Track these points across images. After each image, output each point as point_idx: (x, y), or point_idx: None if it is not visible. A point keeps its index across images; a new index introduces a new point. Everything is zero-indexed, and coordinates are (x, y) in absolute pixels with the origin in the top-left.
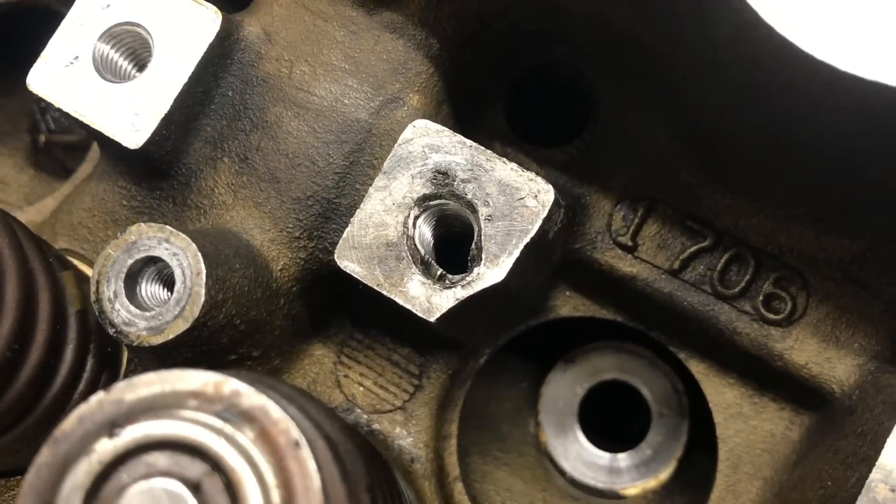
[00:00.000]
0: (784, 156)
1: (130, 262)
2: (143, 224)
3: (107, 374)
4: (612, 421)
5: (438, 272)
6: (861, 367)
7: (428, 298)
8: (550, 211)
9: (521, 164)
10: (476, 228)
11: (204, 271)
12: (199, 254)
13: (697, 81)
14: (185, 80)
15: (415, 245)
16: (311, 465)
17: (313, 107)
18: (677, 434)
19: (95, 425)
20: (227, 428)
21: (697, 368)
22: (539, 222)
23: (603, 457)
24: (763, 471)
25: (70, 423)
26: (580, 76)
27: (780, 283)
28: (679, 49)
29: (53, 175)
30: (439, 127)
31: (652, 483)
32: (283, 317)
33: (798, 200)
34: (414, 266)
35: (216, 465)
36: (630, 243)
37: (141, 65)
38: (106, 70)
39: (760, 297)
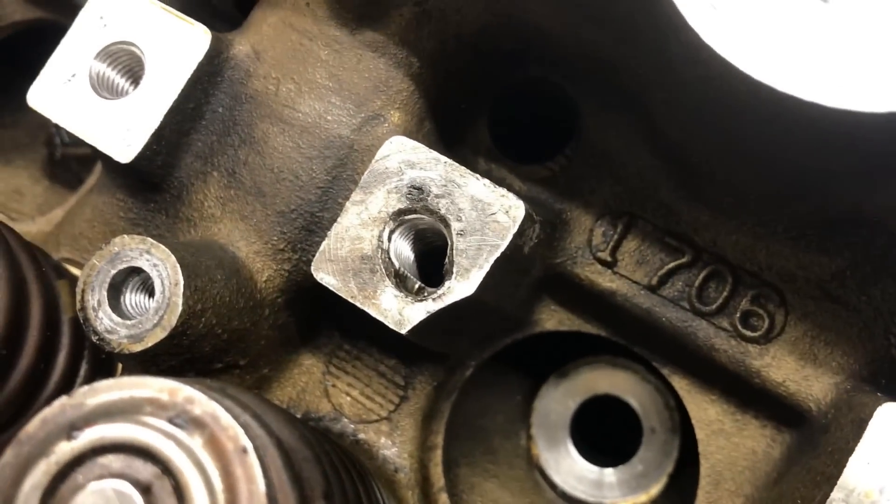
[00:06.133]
0: (752, 173)
1: (113, 272)
2: (125, 236)
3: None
4: (604, 435)
5: (416, 285)
6: (838, 386)
7: (400, 311)
8: (522, 226)
9: (503, 179)
10: (449, 242)
11: (182, 282)
12: (178, 265)
13: (666, 100)
14: (174, 97)
15: (389, 258)
16: (257, 471)
17: (298, 123)
18: (668, 450)
19: (56, 427)
20: (178, 433)
21: (680, 384)
22: (510, 237)
23: (594, 471)
24: (744, 488)
25: (33, 425)
26: (563, 93)
27: (757, 300)
28: (645, 67)
29: (67, 187)
30: (415, 143)
31: (642, 498)
32: (269, 327)
33: (774, 218)
34: (387, 279)
35: (166, 468)
36: (609, 259)
37: (135, 82)
38: (101, 87)
39: (738, 314)
